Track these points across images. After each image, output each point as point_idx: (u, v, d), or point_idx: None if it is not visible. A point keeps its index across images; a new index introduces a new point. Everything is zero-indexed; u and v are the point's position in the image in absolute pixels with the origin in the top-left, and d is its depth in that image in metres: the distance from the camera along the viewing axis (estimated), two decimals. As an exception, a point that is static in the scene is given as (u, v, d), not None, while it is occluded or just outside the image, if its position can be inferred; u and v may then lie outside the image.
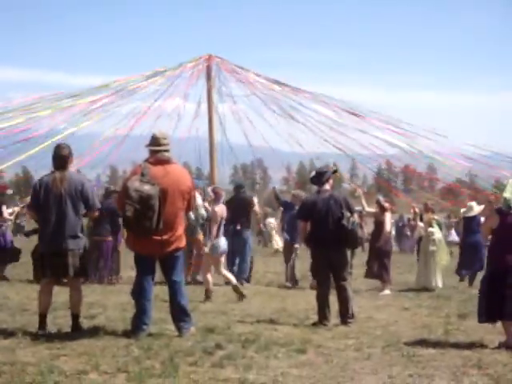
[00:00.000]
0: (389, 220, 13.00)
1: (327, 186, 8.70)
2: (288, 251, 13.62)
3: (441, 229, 14.04)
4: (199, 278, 12.50)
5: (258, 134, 17.37)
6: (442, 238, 13.78)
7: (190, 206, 7.45)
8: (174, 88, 16.64)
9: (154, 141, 7.29)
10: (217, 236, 10.55)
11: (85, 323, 7.65)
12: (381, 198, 13.40)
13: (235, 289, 10.46)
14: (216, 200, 10.79)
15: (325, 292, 8.51)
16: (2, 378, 5.25)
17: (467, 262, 13.87)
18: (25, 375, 5.33)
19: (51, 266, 7.12)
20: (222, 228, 10.69)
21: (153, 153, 7.27)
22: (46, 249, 7.20)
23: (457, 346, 7.11)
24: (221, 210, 10.68)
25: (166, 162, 7.22)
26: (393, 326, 8.39)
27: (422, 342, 7.19)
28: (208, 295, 10.36)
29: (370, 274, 12.80)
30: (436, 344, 7.12)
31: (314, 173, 9.06)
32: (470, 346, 7.13)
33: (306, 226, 8.74)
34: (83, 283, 7.82)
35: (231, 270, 12.84)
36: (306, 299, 10.38)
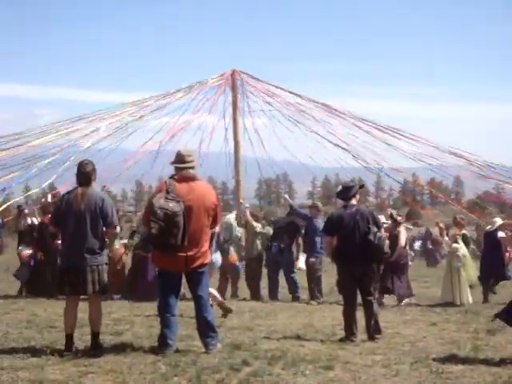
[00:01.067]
0: (403, 234, 12.90)
1: (354, 201, 8.66)
2: (307, 267, 13.46)
3: (469, 243, 13.87)
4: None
5: (283, 148, 17.38)
6: (468, 254, 13.59)
7: (215, 222, 7.47)
8: (199, 103, 16.74)
9: (179, 158, 7.33)
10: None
11: (112, 340, 7.69)
12: (393, 212, 13.28)
13: (220, 305, 10.07)
14: None
15: (351, 307, 8.45)
16: (31, 396, 5.28)
17: (484, 274, 13.73)
18: (53, 393, 5.36)
19: (70, 282, 7.14)
20: (213, 243, 10.64)
21: (178, 170, 7.31)
22: (65, 264, 7.24)
23: (486, 362, 7.01)
24: None
25: (190, 178, 7.25)
26: (421, 341, 8.30)
27: (451, 358, 7.09)
28: (224, 307, 10.07)
29: (383, 289, 12.54)
30: (465, 360, 7.03)
31: (340, 187, 9.03)
32: (500, 362, 7.03)
33: (332, 241, 8.71)
34: (105, 300, 7.82)
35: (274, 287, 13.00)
36: (332, 314, 10.33)
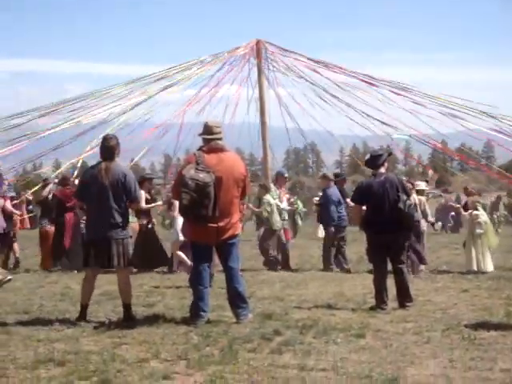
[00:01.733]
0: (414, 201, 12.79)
1: (382, 169, 8.61)
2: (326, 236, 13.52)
3: (485, 210, 13.72)
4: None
5: (310, 118, 17.28)
6: (488, 220, 13.45)
7: (244, 192, 7.48)
8: (224, 74, 16.66)
9: (207, 129, 7.33)
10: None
11: (144, 311, 7.78)
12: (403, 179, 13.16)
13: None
14: None
15: (382, 275, 8.43)
16: (67, 367, 5.37)
17: None
18: (88, 364, 5.44)
19: (96, 255, 7.22)
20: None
21: (206, 141, 7.32)
22: (90, 237, 7.33)
23: (520, 328, 6.97)
24: None
25: (219, 150, 7.25)
26: (452, 308, 8.27)
27: (483, 325, 7.05)
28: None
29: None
30: (497, 326, 6.98)
31: (368, 156, 8.97)
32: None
33: (361, 210, 8.68)
34: (135, 273, 7.89)
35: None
36: (363, 283, 10.33)
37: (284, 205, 13.53)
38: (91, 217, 7.39)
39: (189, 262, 10.26)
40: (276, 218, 13.07)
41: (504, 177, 14.86)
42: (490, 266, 12.79)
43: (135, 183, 7.37)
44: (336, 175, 14.36)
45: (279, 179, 13.99)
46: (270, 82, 16.53)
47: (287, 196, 14.19)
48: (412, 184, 13.05)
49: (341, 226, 13.24)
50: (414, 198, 12.65)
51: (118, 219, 7.20)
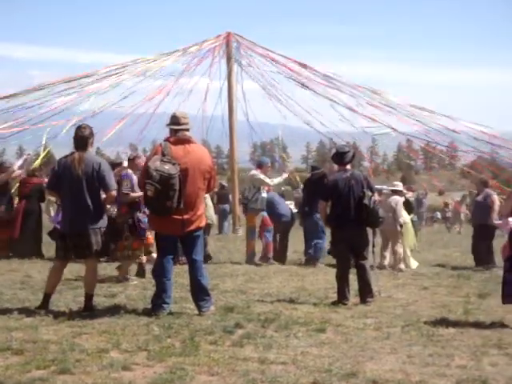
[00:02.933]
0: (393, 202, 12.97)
1: (348, 166, 8.66)
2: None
3: (412, 209, 13.76)
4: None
5: (278, 112, 17.34)
6: (409, 220, 13.51)
7: (210, 185, 7.45)
8: (194, 66, 16.63)
9: (174, 120, 7.29)
10: None
11: (105, 302, 7.74)
12: None
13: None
14: None
15: (345, 271, 8.50)
16: (25, 356, 5.32)
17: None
18: (47, 353, 5.39)
19: (73, 246, 7.17)
20: None
21: (173, 132, 7.28)
22: (67, 229, 7.25)
23: (477, 325, 7.09)
24: None
25: (186, 141, 7.22)
26: (412, 305, 8.37)
27: (442, 322, 7.16)
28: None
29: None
30: (456, 323, 7.10)
31: (334, 151, 9.02)
32: (490, 325, 7.11)
33: (326, 206, 8.73)
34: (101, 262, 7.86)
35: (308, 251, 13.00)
36: (325, 278, 10.39)
37: (264, 194, 13.43)
38: (66, 208, 7.30)
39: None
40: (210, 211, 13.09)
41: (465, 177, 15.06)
42: (413, 264, 12.92)
43: (109, 173, 7.31)
44: (313, 168, 14.27)
45: (263, 167, 13.84)
46: (239, 74, 16.54)
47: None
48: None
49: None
50: (394, 198, 12.83)
51: (94, 209, 7.15)
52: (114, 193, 7.48)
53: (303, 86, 16.65)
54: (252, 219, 12.87)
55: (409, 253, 13.06)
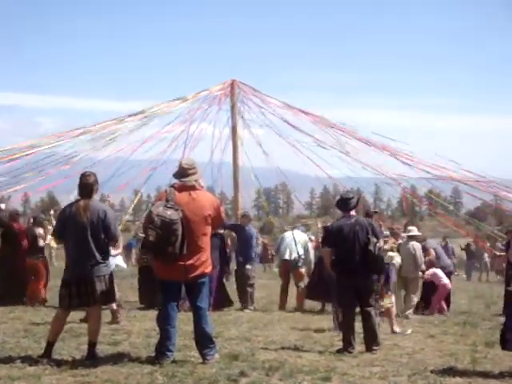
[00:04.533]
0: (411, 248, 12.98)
1: (353, 212, 8.66)
2: (242, 274, 13.56)
3: None
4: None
5: (282, 159, 17.44)
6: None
7: (215, 224, 7.43)
8: (199, 113, 16.77)
9: (180, 170, 7.33)
10: None
11: (109, 349, 7.67)
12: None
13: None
14: None
15: (350, 318, 8.43)
16: (27, 406, 5.26)
17: None
18: (49, 402, 5.34)
19: (78, 294, 7.13)
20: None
21: (179, 179, 7.32)
22: (71, 276, 7.22)
23: (484, 375, 7.00)
24: None
25: (191, 188, 7.25)
26: (419, 353, 8.29)
27: (449, 371, 7.08)
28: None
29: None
30: (463, 373, 7.01)
31: (339, 198, 9.03)
32: (498, 375, 7.02)
33: (331, 253, 8.68)
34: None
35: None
36: (330, 325, 10.30)
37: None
38: (71, 255, 7.27)
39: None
40: None
41: (467, 224, 15.07)
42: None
43: (115, 221, 7.32)
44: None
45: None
46: (244, 121, 16.68)
47: None
48: (393, 229, 13.23)
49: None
50: (412, 244, 12.91)
51: (99, 256, 7.13)
52: (119, 242, 7.50)
53: (307, 134, 16.80)
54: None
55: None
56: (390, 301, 10.44)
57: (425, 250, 13.70)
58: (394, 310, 10.74)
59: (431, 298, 13.64)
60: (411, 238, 13.28)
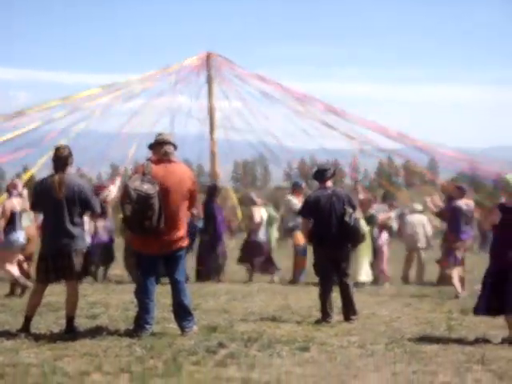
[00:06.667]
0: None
1: (329, 183, 8.67)
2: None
3: (375, 223, 13.82)
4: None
5: (259, 130, 17.43)
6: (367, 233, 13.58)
7: (192, 203, 7.43)
8: (175, 86, 16.66)
9: (157, 140, 7.28)
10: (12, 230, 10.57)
11: (87, 323, 7.66)
12: (253, 194, 14.36)
13: (15, 282, 10.47)
14: (10, 194, 10.86)
15: (328, 289, 8.49)
16: (5, 380, 5.24)
17: None
18: (27, 377, 5.32)
19: (55, 268, 7.10)
20: (17, 222, 10.64)
21: (155, 152, 7.26)
22: (48, 250, 7.18)
23: (460, 341, 7.11)
24: (12, 203, 10.67)
25: (168, 161, 7.20)
26: (396, 322, 8.38)
27: (425, 338, 7.18)
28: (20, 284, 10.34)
29: None
30: (439, 340, 7.11)
31: (315, 169, 9.04)
32: (474, 341, 7.13)
33: (308, 223, 8.72)
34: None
35: None
36: (308, 296, 10.36)
37: None
38: (48, 230, 7.22)
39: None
40: None
41: (450, 188, 15.13)
42: (362, 277, 13.00)
43: (91, 193, 7.26)
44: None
45: (297, 191, 13.92)
46: (220, 93, 16.63)
47: None
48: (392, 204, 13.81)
49: None
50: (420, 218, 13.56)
51: (76, 230, 7.11)
52: (98, 211, 7.46)
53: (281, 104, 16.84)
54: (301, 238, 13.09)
55: (363, 265, 13.12)
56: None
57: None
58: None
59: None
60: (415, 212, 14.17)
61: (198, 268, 13.26)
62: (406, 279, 14.05)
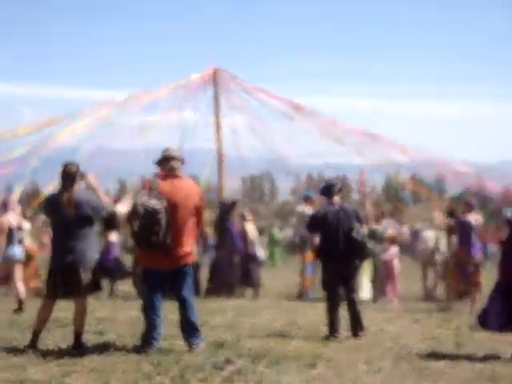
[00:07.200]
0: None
1: (337, 198, 8.67)
2: None
3: (380, 239, 13.77)
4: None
5: (267, 145, 17.47)
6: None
7: (200, 221, 7.42)
8: (182, 100, 16.72)
9: (164, 156, 7.30)
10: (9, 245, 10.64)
11: (95, 339, 7.65)
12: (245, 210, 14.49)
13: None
14: (4, 209, 10.89)
15: (335, 305, 8.46)
16: (13, 397, 5.24)
17: None
18: (35, 393, 5.32)
19: (63, 283, 7.09)
20: (14, 237, 10.70)
21: (162, 167, 7.29)
22: (57, 266, 7.18)
23: (469, 358, 7.07)
24: (8, 219, 10.72)
25: (174, 176, 7.22)
26: (403, 338, 8.34)
27: (434, 355, 7.14)
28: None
29: None
30: (447, 356, 7.07)
31: (323, 184, 9.05)
32: (483, 358, 7.09)
33: (314, 238, 8.72)
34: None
35: None
36: (316, 312, 10.33)
37: None
38: (56, 246, 7.23)
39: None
40: None
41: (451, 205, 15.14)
42: (361, 293, 12.87)
43: (97, 201, 7.23)
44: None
45: (309, 201, 13.91)
46: (227, 108, 16.67)
47: None
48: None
49: None
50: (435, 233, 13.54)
51: (84, 246, 7.11)
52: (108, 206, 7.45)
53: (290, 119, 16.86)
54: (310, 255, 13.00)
55: (364, 282, 13.10)
56: None
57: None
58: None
59: None
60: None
61: (208, 285, 13.25)
62: (430, 296, 13.95)
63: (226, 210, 13.79)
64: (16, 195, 13.35)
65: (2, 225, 10.62)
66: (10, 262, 10.68)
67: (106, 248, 13.82)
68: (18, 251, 10.76)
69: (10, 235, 10.65)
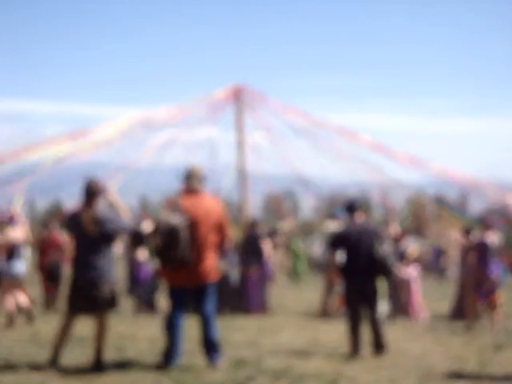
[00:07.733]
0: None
1: (359, 216, 8.63)
2: None
3: (400, 256, 13.65)
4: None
5: (289, 163, 17.46)
6: None
7: (223, 237, 7.41)
8: (204, 118, 16.78)
9: (187, 174, 7.34)
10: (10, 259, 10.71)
11: (115, 355, 7.64)
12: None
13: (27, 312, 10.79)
14: (12, 223, 10.93)
15: (357, 323, 8.40)
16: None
17: None
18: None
19: (85, 300, 7.10)
20: (17, 252, 10.76)
21: (184, 184, 7.32)
22: (78, 282, 7.20)
23: (492, 378, 6.95)
24: (11, 235, 10.75)
25: (196, 192, 7.25)
26: (426, 357, 8.24)
27: (457, 374, 7.03)
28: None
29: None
30: (471, 376, 6.97)
31: (345, 202, 9.03)
32: (507, 378, 6.97)
33: (334, 256, 8.68)
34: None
35: None
36: (337, 329, 10.26)
37: None
38: (78, 262, 7.25)
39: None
40: None
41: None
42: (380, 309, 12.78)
43: (116, 219, 7.24)
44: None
45: (339, 220, 13.96)
46: (250, 126, 16.70)
47: None
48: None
49: None
50: None
51: (105, 263, 7.13)
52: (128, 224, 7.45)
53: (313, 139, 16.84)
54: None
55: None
56: None
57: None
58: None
59: None
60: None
61: (234, 303, 13.20)
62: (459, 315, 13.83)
63: (252, 228, 13.79)
64: (17, 206, 13.41)
65: (9, 239, 10.71)
66: (9, 278, 10.75)
67: (136, 268, 13.78)
68: (21, 268, 10.84)
69: (14, 251, 10.73)
